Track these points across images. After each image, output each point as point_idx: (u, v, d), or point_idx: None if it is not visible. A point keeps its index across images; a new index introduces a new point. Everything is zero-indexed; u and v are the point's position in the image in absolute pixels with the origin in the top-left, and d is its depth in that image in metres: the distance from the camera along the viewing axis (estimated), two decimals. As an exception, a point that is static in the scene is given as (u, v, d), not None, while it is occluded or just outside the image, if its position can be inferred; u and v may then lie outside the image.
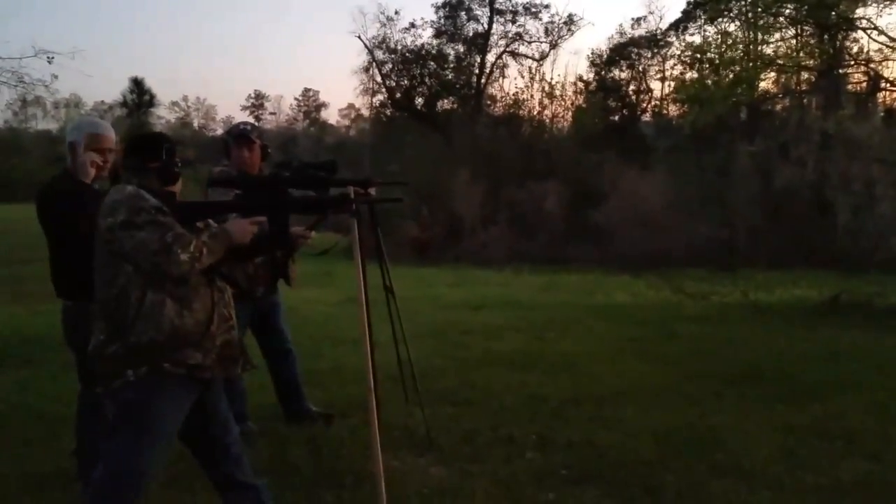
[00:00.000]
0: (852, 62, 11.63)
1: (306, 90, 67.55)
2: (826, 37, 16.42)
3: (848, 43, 14.88)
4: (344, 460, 3.89)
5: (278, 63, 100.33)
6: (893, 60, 11.05)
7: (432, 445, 4.08)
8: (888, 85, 10.55)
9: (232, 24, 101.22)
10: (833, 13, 12.31)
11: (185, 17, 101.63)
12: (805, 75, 18.69)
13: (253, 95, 67.21)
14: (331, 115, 67.48)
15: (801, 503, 3.44)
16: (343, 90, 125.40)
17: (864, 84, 10.93)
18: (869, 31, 10.61)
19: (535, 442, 4.16)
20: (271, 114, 67.16)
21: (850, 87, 12.04)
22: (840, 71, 12.76)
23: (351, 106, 59.58)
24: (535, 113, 32.60)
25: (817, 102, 12.94)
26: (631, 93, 35.52)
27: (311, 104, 65.31)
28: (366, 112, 44.41)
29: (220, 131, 57.33)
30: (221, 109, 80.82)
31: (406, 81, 33.17)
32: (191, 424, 2.75)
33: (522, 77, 38.07)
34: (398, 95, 33.37)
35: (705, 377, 5.64)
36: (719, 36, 30.24)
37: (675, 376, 5.70)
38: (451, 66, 33.15)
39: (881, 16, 14.16)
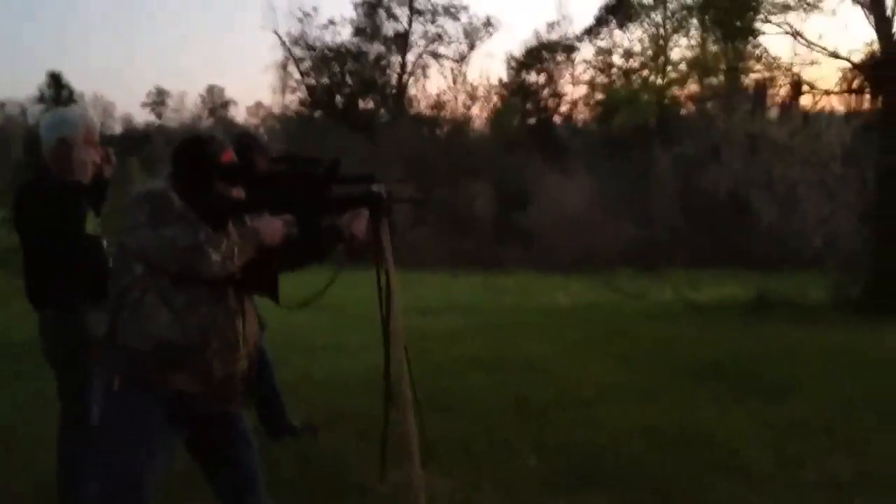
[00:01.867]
0: (775, 67, 12.19)
1: (211, 87, 65.25)
2: (732, 44, 17.27)
3: (754, 49, 15.64)
4: (342, 475, 3.74)
5: (180, 58, 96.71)
6: (814, 65, 11.64)
7: (431, 455, 3.97)
8: (810, 89, 11.15)
9: (128, 14, 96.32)
10: (738, 23, 12.97)
11: (73, 8, 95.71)
12: (724, 79, 19.58)
13: (154, 92, 64.29)
14: (238, 114, 65.22)
15: (802, 501, 3.52)
16: (251, 88, 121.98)
17: (787, 88, 11.50)
18: (796, 37, 11.14)
19: (531, 446, 4.12)
20: (174, 111, 64.36)
21: (772, 90, 12.65)
22: (758, 76, 13.40)
23: (259, 104, 57.86)
24: (458, 114, 32.79)
25: (741, 106, 13.53)
26: (546, 96, 36.31)
27: (216, 101, 63.09)
28: (277, 110, 43.26)
29: (119, 129, 54.81)
30: (120, 106, 77.11)
31: (326, 80, 32.69)
32: (203, 463, 2.58)
33: (444, 78, 38.24)
34: (318, 94, 32.83)
35: (676, 375, 5.78)
36: (638, 41, 31.35)
37: (647, 375, 5.81)
38: (372, 65, 32.92)
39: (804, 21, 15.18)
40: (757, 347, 7.03)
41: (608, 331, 7.76)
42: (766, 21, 12.25)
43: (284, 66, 33.73)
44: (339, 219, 2.77)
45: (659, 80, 28.21)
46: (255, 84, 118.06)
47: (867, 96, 10.60)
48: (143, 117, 61.97)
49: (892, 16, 10.14)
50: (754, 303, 10.50)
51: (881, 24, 10.27)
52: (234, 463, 2.61)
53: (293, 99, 33.97)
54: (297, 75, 33.32)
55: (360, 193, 2.85)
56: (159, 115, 61.58)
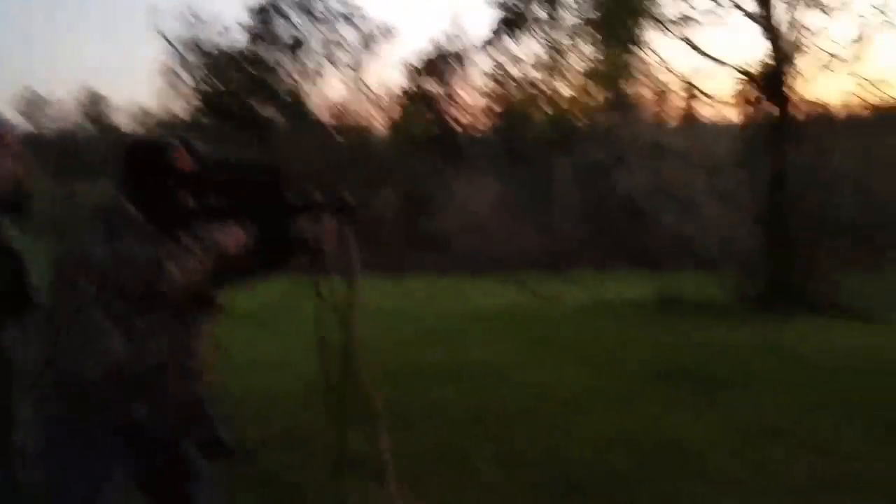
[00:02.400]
0: (670, 79, 12.74)
1: (89, 91, 61.49)
2: (625, 54, 17.98)
3: (649, 60, 16.33)
4: (304, 497, 3.52)
5: (56, 60, 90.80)
6: (709, 76, 12.23)
7: (385, 471, 3.80)
8: (707, 98, 11.74)
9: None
10: (631, 33, 13.54)
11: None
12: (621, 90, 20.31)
13: (27, 95, 59.88)
14: (119, 119, 61.63)
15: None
16: (133, 93, 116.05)
17: (685, 98, 12.07)
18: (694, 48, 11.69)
19: (496, 458, 4.03)
20: (49, 116, 60.10)
21: (670, 101, 13.24)
22: (656, 87, 13.96)
23: (143, 110, 54.96)
24: (360, 121, 32.49)
25: (640, 115, 14.09)
26: (446, 105, 36.67)
27: (94, 106, 59.43)
28: (164, 117, 41.29)
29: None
30: (-13, 109, 71.21)
31: (220, 86, 31.55)
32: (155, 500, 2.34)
33: (344, 84, 37.82)
34: (211, 100, 31.63)
35: (632, 377, 5.88)
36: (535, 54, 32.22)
37: (604, 378, 5.87)
38: (268, 71, 32.10)
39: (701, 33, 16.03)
40: (698, 346, 7.29)
41: (545, 334, 7.84)
42: (665, 31, 12.79)
43: (173, 71, 32.29)
44: (301, 226, 2.60)
45: (562, 91, 28.99)
46: (138, 89, 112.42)
47: (759, 106, 11.26)
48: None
49: (782, 29, 10.81)
50: (661, 302, 10.92)
51: (772, 36, 10.95)
52: (190, 498, 2.38)
53: (184, 105, 32.57)
54: (187, 81, 31.96)
55: (326, 199, 2.68)
56: (31, 120, 57.41)
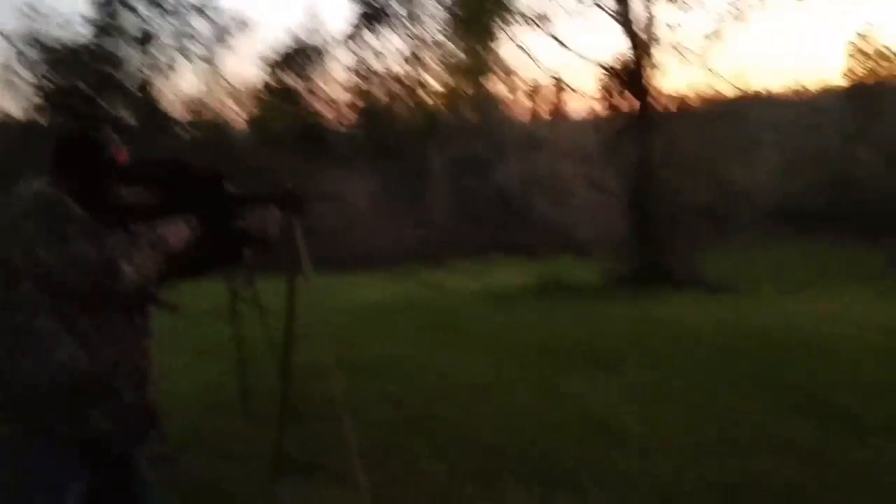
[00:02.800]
0: (541, 72, 13.21)
1: None
2: (487, 50, 18.47)
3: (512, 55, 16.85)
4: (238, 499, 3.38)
5: None
6: (576, 71, 12.81)
7: (324, 468, 3.74)
8: (574, 92, 12.29)
9: None
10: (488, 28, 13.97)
11: None
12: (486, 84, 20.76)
13: None
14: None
15: (698, 466, 3.71)
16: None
17: (555, 92, 12.57)
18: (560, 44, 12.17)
19: (428, 448, 4.02)
20: None
21: (542, 94, 13.71)
22: (523, 81, 14.44)
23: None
24: (217, 115, 31.24)
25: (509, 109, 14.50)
26: (309, 99, 36.02)
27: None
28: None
29: None
30: None
31: (65, 82, 29.27)
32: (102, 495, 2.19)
33: (200, 79, 36.14)
34: (54, 97, 29.28)
35: (530, 358, 6.06)
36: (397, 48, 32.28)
37: (504, 361, 6.00)
38: (116, 65, 30.15)
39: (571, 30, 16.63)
40: (585, 325, 7.61)
41: (439, 324, 7.90)
42: (529, 27, 13.24)
43: (10, 68, 29.62)
44: (246, 220, 2.51)
45: (426, 85, 29.22)
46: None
47: (622, 99, 11.93)
48: None
49: (641, 26, 11.50)
50: (543, 287, 11.36)
51: (630, 32, 11.62)
52: None
53: (23, 104, 29.96)
54: (27, 78, 29.43)
55: (272, 191, 2.61)
56: None
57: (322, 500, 3.37)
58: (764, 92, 23.68)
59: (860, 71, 31.01)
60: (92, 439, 2.03)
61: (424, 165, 21.26)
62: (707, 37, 11.48)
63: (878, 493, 3.29)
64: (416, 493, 3.46)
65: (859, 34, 30.22)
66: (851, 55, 31.28)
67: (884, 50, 30.75)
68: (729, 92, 12.17)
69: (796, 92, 31.67)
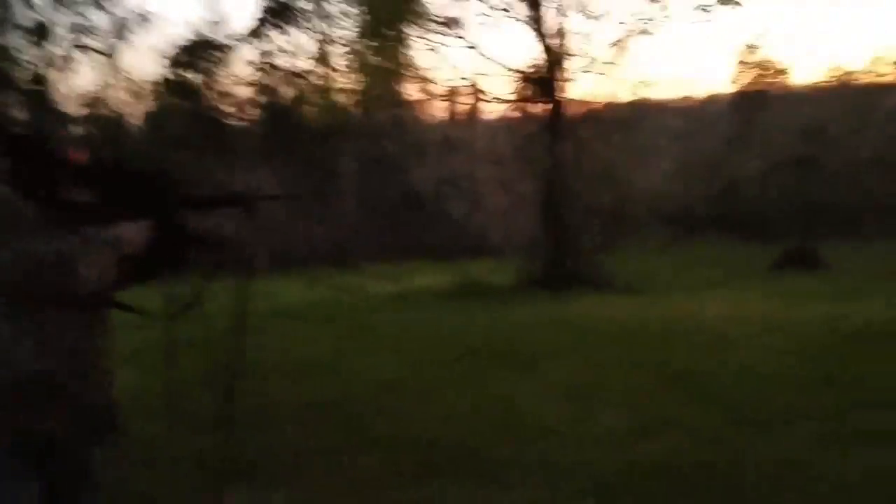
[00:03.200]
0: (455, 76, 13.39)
1: None
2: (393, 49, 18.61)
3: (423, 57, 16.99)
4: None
5: None
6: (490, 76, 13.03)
7: (257, 471, 3.78)
8: (488, 97, 12.60)
9: None
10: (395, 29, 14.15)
11: None
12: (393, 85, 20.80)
13: None
14: None
15: (619, 452, 3.99)
16: None
17: (469, 95, 12.81)
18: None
19: (353, 447, 4.10)
20: None
21: (456, 97, 13.93)
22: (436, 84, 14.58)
23: None
24: (115, 112, 29.86)
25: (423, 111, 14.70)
26: (211, 95, 35.03)
27: None
28: None
29: None
30: None
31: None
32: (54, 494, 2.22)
33: (98, 73, 34.46)
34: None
35: (449, 358, 6.22)
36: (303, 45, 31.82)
37: (424, 361, 6.14)
38: (7, 58, 28.31)
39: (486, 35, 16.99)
40: (503, 324, 7.87)
41: (362, 326, 7.98)
42: (440, 31, 13.42)
43: None
44: (199, 222, 2.57)
45: (333, 83, 28.94)
46: None
47: (534, 104, 12.34)
48: None
49: (552, 35, 11.93)
50: (458, 290, 11.59)
51: (542, 40, 12.04)
52: None
53: None
54: None
55: (226, 194, 2.67)
56: None
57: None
58: (655, 100, 24.95)
59: (745, 80, 33.05)
60: (45, 444, 2.04)
61: (335, 166, 21.10)
62: (612, 45, 12.05)
63: (770, 469, 3.65)
64: (354, 490, 3.56)
65: (747, 45, 32.09)
66: (738, 65, 33.21)
67: (767, 61, 32.88)
68: (631, 100, 12.82)
69: (684, 100, 33.38)
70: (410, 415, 4.69)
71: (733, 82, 33.64)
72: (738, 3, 11.41)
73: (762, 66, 32.97)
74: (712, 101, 35.36)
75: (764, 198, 23.23)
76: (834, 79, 34.72)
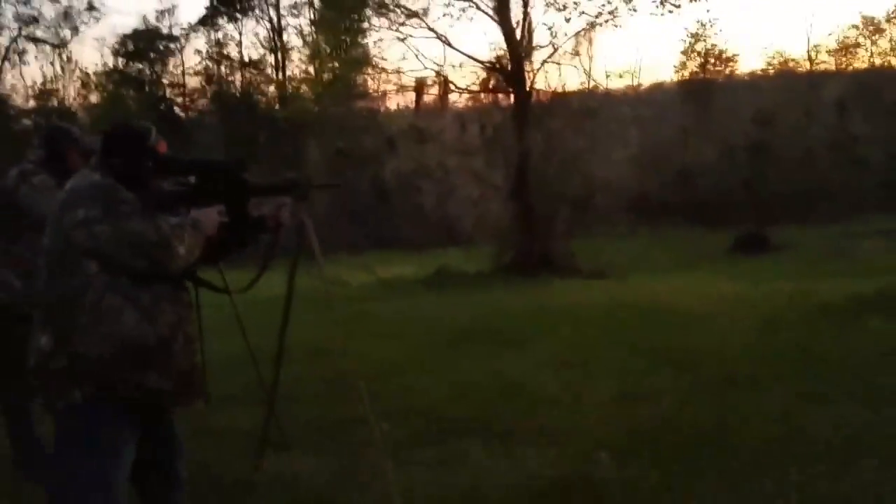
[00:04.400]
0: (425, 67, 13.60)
1: None
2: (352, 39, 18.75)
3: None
4: (213, 472, 3.61)
5: None
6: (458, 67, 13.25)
7: (290, 443, 4.02)
8: (458, 87, 12.85)
9: None
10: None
11: None
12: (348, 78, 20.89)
13: None
14: None
15: (615, 417, 4.35)
16: None
17: (440, 85, 13.01)
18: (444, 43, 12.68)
19: (377, 416, 4.37)
20: None
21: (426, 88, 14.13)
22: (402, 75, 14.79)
23: None
24: (70, 103, 29.27)
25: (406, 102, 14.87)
26: (166, 85, 34.47)
27: None
28: None
29: None
30: None
31: None
32: (145, 451, 2.47)
33: (52, 65, 33.56)
34: None
35: (437, 340, 6.49)
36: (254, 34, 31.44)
37: (414, 345, 6.41)
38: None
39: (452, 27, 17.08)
40: (488, 309, 8.18)
41: (348, 313, 8.19)
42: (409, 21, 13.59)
43: None
44: (262, 208, 2.81)
45: (299, 75, 28.84)
46: None
47: (503, 94, 12.65)
48: None
49: (518, 26, 12.24)
50: (434, 276, 11.89)
51: (507, 30, 12.33)
52: (169, 463, 2.53)
53: None
54: None
55: (283, 182, 2.90)
56: None
57: (316, 475, 3.66)
58: (609, 89, 25.60)
59: (692, 69, 34.01)
60: (147, 401, 2.29)
61: (301, 157, 21.10)
62: (577, 36, 12.43)
63: (758, 425, 4.05)
64: (373, 455, 3.83)
65: (692, 34, 32.99)
66: (684, 53, 34.12)
67: (715, 49, 33.86)
68: (593, 89, 13.24)
69: (631, 88, 34.21)
70: (418, 389, 4.98)
71: (679, 70, 34.61)
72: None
73: (708, 54, 34.01)
74: (658, 89, 36.37)
75: (715, 186, 24.07)
76: (776, 67, 36.04)
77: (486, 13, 12.50)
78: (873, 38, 34.48)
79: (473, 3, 12.72)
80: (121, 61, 32.78)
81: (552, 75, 12.76)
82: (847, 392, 4.45)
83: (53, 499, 2.31)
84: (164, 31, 34.33)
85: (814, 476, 3.36)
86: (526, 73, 12.28)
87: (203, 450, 3.85)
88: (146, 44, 33.46)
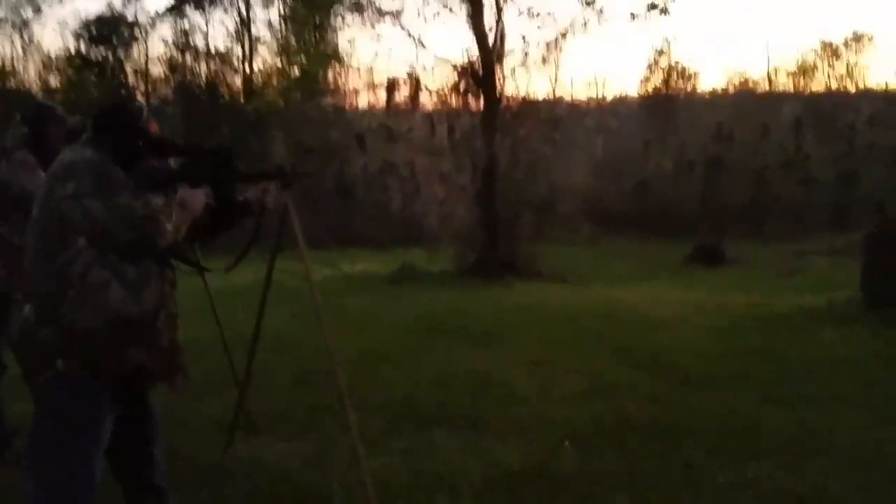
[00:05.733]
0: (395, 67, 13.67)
1: None
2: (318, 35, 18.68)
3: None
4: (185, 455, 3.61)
5: None
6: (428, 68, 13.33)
7: (257, 428, 4.05)
8: (427, 88, 12.93)
9: None
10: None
11: None
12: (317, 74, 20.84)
13: None
14: None
15: (580, 411, 4.46)
16: None
17: (409, 84, 13.06)
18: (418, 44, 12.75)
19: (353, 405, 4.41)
20: None
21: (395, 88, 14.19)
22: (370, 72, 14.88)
23: None
24: (30, 85, 28.49)
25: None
26: (129, 72, 33.82)
27: None
28: None
29: None
30: None
31: None
32: (121, 424, 2.49)
33: (13, 45, 32.63)
34: None
35: (402, 335, 6.56)
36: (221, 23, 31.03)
37: (379, 337, 6.46)
38: None
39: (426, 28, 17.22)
40: (446, 307, 8.24)
41: (306, 308, 8.15)
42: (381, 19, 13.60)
43: None
44: (247, 192, 2.85)
45: (266, 69, 28.52)
46: None
47: (473, 97, 12.76)
48: None
49: (490, 31, 12.36)
50: (397, 274, 11.91)
51: (479, 35, 12.45)
52: (145, 442, 2.56)
53: None
54: None
55: (269, 168, 2.95)
56: None
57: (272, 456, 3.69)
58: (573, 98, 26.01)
59: (656, 83, 34.76)
60: (128, 375, 2.32)
61: (264, 151, 20.87)
62: (547, 45, 12.62)
63: (717, 422, 4.21)
64: (346, 442, 3.87)
65: (657, 50, 33.74)
66: (648, 68, 34.87)
67: (676, 65, 34.67)
68: (560, 97, 13.46)
69: (593, 100, 34.85)
70: (389, 381, 5.04)
71: (642, 84, 35.34)
72: (666, 12, 12.17)
73: (671, 70, 34.81)
74: (621, 101, 37.07)
75: (672, 197, 24.58)
76: (736, 85, 37.07)
77: (459, 16, 12.62)
78: (831, 61, 35.71)
79: (447, 6, 12.83)
80: (83, 45, 32.13)
81: (521, 82, 12.96)
82: (802, 395, 4.66)
83: (31, 472, 2.30)
84: (130, 17, 33.85)
85: (769, 472, 3.52)
86: (496, 79, 12.41)
87: (173, 436, 3.85)
88: (110, 29, 32.85)
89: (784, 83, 36.83)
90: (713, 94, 38.46)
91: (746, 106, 32.10)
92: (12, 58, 29.12)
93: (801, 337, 6.41)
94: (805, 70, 35.97)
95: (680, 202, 24.48)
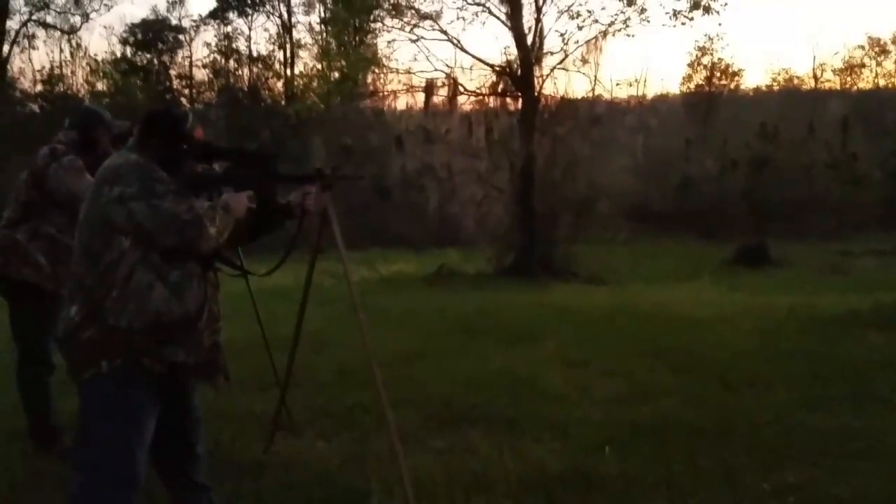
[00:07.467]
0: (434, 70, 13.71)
1: None
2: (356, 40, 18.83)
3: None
4: (226, 454, 3.70)
5: None
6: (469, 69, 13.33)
7: (294, 427, 4.11)
8: (464, 91, 12.96)
9: None
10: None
11: None
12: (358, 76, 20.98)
13: None
14: None
15: (619, 413, 4.43)
16: None
17: (448, 86, 13.08)
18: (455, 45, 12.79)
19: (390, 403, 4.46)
20: None
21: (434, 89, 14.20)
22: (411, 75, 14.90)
23: None
24: (78, 89, 29.32)
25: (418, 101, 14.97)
26: (173, 77, 34.57)
27: None
28: None
29: None
30: None
31: None
32: (164, 422, 2.56)
33: (62, 51, 33.61)
34: None
35: (442, 334, 6.60)
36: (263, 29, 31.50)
37: (421, 337, 6.51)
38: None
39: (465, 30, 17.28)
40: (483, 307, 8.27)
41: (348, 308, 8.26)
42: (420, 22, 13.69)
43: None
44: (289, 195, 2.91)
45: (298, 71, 28.96)
46: None
47: (512, 98, 12.76)
48: None
49: (529, 32, 12.35)
50: (435, 275, 11.99)
51: (519, 35, 12.44)
52: (188, 436, 2.62)
53: None
54: None
55: (309, 171, 3.01)
56: None
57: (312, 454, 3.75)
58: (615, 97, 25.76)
59: (698, 81, 34.23)
60: (171, 375, 2.38)
61: (304, 154, 21.16)
62: (587, 44, 12.55)
63: (754, 429, 4.14)
64: (384, 441, 3.92)
65: (699, 47, 33.18)
66: (690, 65, 34.33)
67: (720, 62, 34.05)
68: (601, 96, 13.38)
69: (634, 98, 34.42)
70: (426, 381, 5.06)
71: (684, 82, 34.81)
72: (710, 11, 11.99)
73: (714, 67, 34.23)
74: (662, 99, 36.62)
75: (718, 196, 24.22)
76: (781, 83, 36.29)
77: (499, 18, 12.64)
78: (878, 58, 34.74)
79: (486, 8, 12.85)
80: (129, 50, 32.95)
81: (560, 81, 12.89)
82: (845, 398, 4.56)
83: (77, 468, 2.37)
84: (174, 22, 34.62)
85: (811, 477, 3.46)
86: (535, 79, 12.38)
87: (216, 431, 3.95)
88: (155, 34, 33.62)
89: (830, 81, 36.04)
90: (757, 91, 37.81)
91: (791, 104, 31.47)
92: (61, 63, 30.07)
93: (845, 339, 6.27)
94: (852, 67, 35.05)
95: (723, 202, 24.11)
